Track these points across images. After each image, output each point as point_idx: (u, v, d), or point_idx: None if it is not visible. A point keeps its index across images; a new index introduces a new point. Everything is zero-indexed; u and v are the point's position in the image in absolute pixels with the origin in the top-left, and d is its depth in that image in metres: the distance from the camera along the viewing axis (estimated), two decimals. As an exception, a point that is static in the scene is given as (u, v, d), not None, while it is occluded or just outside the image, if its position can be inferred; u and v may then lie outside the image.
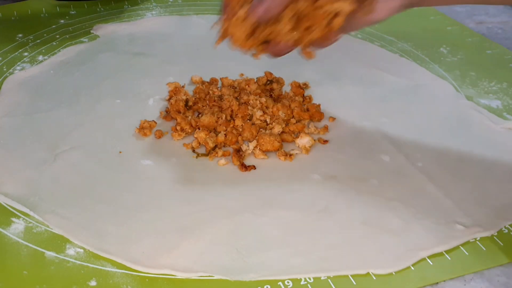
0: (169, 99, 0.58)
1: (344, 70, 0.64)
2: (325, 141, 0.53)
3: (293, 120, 0.54)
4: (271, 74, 0.61)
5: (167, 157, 0.51)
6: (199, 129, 0.52)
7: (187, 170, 0.49)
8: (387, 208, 0.46)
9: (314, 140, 0.53)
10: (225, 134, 0.52)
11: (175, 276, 0.39)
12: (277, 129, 0.52)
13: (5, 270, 0.39)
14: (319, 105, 0.57)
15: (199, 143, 0.51)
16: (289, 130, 0.53)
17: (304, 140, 0.52)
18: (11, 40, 0.69)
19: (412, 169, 0.50)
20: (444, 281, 0.40)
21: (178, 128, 0.53)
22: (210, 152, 0.51)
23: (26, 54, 0.66)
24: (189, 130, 0.53)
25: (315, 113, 0.56)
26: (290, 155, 0.51)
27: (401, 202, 0.46)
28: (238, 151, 0.50)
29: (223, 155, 0.51)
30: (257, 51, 0.47)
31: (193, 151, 0.51)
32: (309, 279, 0.40)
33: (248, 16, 0.44)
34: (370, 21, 0.46)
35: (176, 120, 0.54)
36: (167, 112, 0.56)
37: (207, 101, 0.56)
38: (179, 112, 0.55)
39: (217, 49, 0.64)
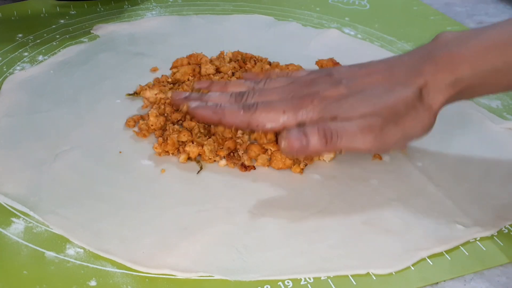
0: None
1: (344, 70, 0.64)
2: (325, 141, 0.53)
3: None
4: None
5: (167, 157, 0.51)
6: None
7: (187, 170, 0.49)
8: (387, 208, 0.46)
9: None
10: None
11: (175, 276, 0.39)
12: None
13: (5, 270, 0.39)
14: None
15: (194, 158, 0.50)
16: None
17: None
18: (11, 40, 0.68)
19: (412, 169, 0.50)
20: (444, 281, 0.40)
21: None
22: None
23: (26, 54, 0.66)
24: (174, 153, 0.50)
25: None
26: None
27: (401, 202, 0.46)
28: (233, 153, 0.50)
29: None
30: None
31: (197, 163, 0.50)
32: (309, 279, 0.40)
33: None
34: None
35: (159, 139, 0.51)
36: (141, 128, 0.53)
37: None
38: (163, 130, 0.52)
39: (218, 50, 0.64)
